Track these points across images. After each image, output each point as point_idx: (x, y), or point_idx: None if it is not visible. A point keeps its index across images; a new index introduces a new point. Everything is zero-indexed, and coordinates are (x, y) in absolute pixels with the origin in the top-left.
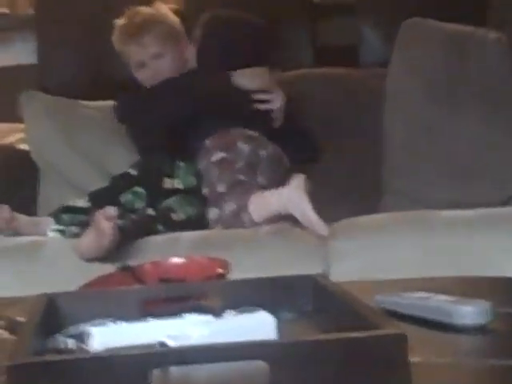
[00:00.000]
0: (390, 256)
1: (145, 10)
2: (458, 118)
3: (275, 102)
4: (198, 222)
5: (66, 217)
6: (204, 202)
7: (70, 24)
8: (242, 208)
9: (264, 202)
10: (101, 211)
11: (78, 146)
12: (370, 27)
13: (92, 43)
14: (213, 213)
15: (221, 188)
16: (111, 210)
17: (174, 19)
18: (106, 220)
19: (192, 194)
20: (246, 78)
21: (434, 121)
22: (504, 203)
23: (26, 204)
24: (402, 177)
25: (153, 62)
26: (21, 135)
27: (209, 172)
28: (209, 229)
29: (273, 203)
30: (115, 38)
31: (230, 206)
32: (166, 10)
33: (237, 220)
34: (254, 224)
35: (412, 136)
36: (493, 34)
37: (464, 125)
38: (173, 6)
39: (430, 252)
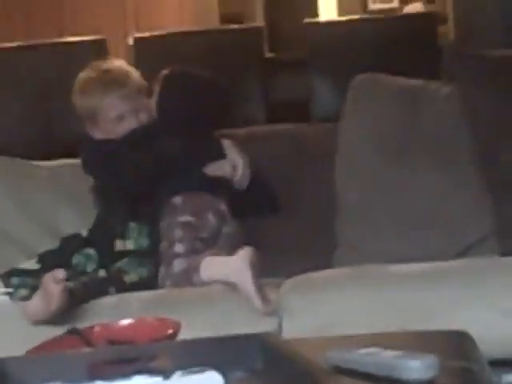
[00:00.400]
0: (342, 311)
1: (111, 63)
2: (410, 172)
3: (238, 171)
4: (150, 284)
5: (15, 279)
6: (156, 263)
7: (18, 83)
8: (194, 268)
9: (213, 267)
10: (49, 274)
11: (27, 207)
12: (321, 82)
13: (40, 103)
14: (162, 270)
15: (179, 248)
16: (60, 273)
17: (137, 73)
18: (55, 283)
19: (144, 255)
20: (216, 169)
21: (385, 175)
22: (460, 255)
23: None
24: (354, 230)
25: (134, 115)
26: None
27: (172, 230)
28: (158, 287)
29: (220, 269)
30: (85, 90)
31: (181, 264)
32: (125, 64)
33: (186, 278)
34: (203, 284)
35: (364, 190)
36: (445, 88)
37: (417, 178)
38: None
39: (380, 307)
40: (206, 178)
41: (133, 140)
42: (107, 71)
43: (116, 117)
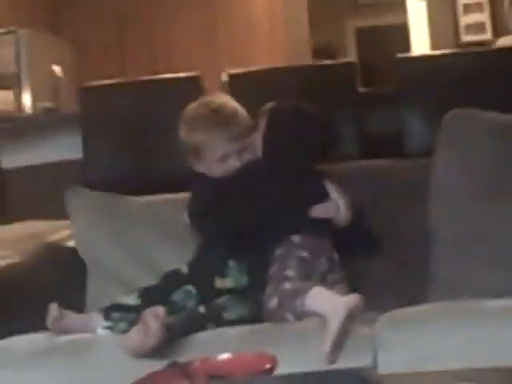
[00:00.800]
0: (437, 347)
1: (219, 99)
2: (503, 208)
3: (341, 213)
4: (250, 322)
5: (115, 314)
6: (257, 301)
7: (114, 120)
8: (302, 291)
9: (319, 298)
10: (149, 310)
11: (125, 242)
12: (413, 116)
13: (135, 139)
14: (269, 289)
15: (291, 273)
16: (160, 310)
17: (243, 110)
18: (154, 319)
19: (243, 293)
20: (322, 211)
21: (479, 211)
22: None
23: (75, 301)
24: (448, 266)
25: (239, 155)
26: (68, 232)
27: (287, 258)
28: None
29: (323, 302)
30: (193, 125)
31: (291, 285)
32: (232, 101)
33: (291, 298)
34: (303, 310)
35: (457, 226)
36: None
37: (509, 215)
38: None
39: (476, 342)
40: (313, 220)
41: (240, 181)
42: (216, 110)
43: (221, 157)
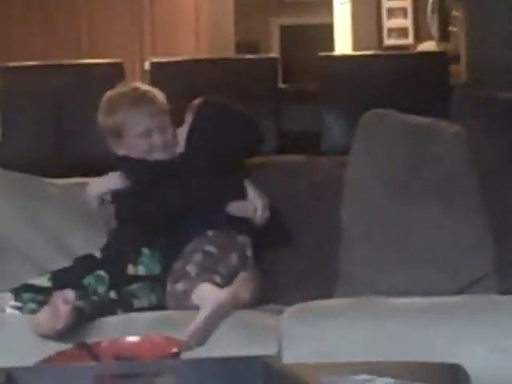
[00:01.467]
0: (341, 340)
1: (136, 84)
2: (414, 209)
3: (258, 213)
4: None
5: (25, 295)
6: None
7: (34, 102)
8: (189, 291)
9: (201, 292)
10: (59, 293)
11: (39, 224)
12: (333, 114)
13: (55, 122)
14: (168, 287)
15: (190, 269)
16: (70, 294)
17: (162, 95)
18: (64, 303)
19: (155, 281)
20: (239, 209)
21: (390, 210)
22: (459, 292)
23: None
24: (358, 265)
25: (161, 131)
26: None
27: (193, 253)
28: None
29: (202, 296)
30: (113, 106)
31: (184, 286)
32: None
33: (184, 299)
34: (194, 306)
35: (368, 224)
36: (453, 128)
37: (420, 216)
38: None
39: (379, 338)
40: (232, 217)
41: (162, 171)
42: (136, 88)
43: (143, 132)
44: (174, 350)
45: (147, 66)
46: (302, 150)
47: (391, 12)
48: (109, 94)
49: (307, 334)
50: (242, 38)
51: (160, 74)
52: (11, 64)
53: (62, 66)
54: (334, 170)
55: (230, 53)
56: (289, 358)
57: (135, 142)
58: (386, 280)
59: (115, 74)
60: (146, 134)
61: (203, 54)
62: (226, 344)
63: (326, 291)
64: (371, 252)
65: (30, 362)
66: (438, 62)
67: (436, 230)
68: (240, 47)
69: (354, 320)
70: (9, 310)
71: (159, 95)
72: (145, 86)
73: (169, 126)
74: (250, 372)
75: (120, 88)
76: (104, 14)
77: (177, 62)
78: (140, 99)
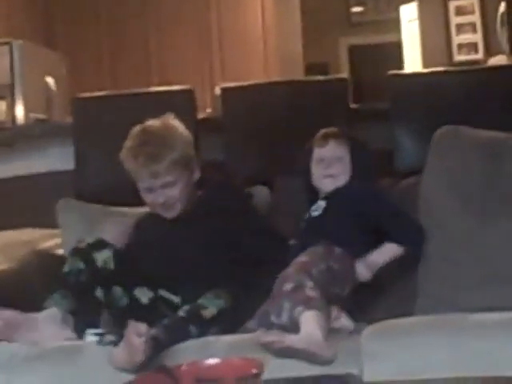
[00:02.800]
0: (422, 357)
1: (156, 130)
2: (491, 225)
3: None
4: (230, 315)
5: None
6: (232, 294)
7: (107, 132)
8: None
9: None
10: (131, 326)
11: None
12: (404, 133)
13: None
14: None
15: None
16: (142, 327)
17: (186, 138)
18: (137, 336)
19: (217, 287)
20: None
21: (466, 227)
22: None
23: None
24: (436, 282)
25: (163, 191)
26: (58, 240)
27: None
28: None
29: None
30: (124, 156)
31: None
32: (177, 125)
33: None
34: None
35: (445, 242)
36: None
37: (497, 232)
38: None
39: (461, 354)
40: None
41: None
42: (145, 143)
43: (146, 188)
44: (254, 371)
45: (218, 91)
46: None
47: (460, 27)
48: (131, 133)
49: (388, 352)
50: (311, 59)
51: (231, 99)
52: (82, 95)
53: (133, 95)
54: (408, 190)
55: (299, 75)
56: (370, 376)
57: (141, 193)
58: (465, 297)
59: (186, 100)
60: (149, 190)
61: (273, 78)
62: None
63: (406, 309)
64: (449, 269)
65: None
66: (510, 75)
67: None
68: (309, 69)
69: (435, 338)
70: (89, 338)
71: (174, 144)
72: (159, 138)
73: (177, 181)
74: None
75: (136, 135)
76: (173, 42)
77: (247, 87)
78: (146, 159)
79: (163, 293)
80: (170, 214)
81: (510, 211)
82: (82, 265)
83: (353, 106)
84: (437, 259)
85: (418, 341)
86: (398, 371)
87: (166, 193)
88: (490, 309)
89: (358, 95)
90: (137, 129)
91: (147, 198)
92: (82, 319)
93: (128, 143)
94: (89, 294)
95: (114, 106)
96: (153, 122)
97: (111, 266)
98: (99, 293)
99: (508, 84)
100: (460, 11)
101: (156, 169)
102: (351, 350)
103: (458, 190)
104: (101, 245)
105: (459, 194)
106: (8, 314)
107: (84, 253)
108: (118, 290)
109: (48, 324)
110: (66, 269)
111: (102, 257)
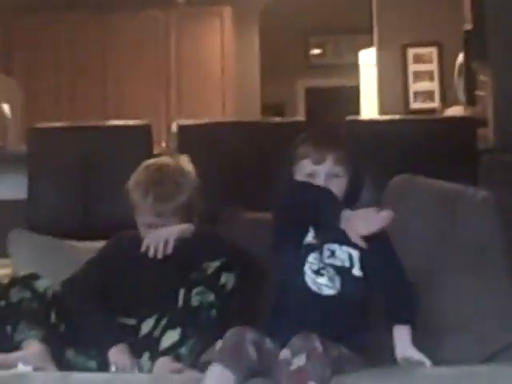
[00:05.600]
0: None
1: (172, 172)
2: (443, 274)
3: None
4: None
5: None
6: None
7: (61, 163)
8: None
9: None
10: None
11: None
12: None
13: (81, 184)
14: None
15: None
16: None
17: (196, 184)
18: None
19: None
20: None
21: (418, 275)
22: (485, 360)
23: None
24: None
25: (159, 229)
26: (8, 270)
27: None
28: None
29: None
30: (132, 188)
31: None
32: (191, 170)
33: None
34: None
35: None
36: (481, 193)
37: (449, 280)
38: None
39: None
40: None
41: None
42: (155, 184)
43: (147, 224)
44: None
45: (174, 128)
46: None
47: (417, 75)
48: (139, 168)
49: None
50: (268, 99)
51: (187, 136)
52: (38, 125)
53: (89, 127)
54: None
55: (256, 115)
56: None
57: (140, 227)
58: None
59: (143, 136)
60: (148, 226)
61: (230, 115)
62: None
63: None
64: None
65: None
66: (466, 126)
67: (464, 294)
68: (266, 110)
69: None
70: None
71: (183, 189)
72: (170, 179)
73: (176, 223)
74: None
75: (146, 171)
76: (131, 76)
77: (204, 125)
78: (155, 198)
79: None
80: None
81: (461, 262)
82: (28, 293)
83: None
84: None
85: None
86: None
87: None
88: (440, 359)
89: None
90: (152, 164)
91: (143, 231)
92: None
93: (140, 177)
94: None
95: (69, 138)
96: (168, 162)
97: (50, 293)
98: (53, 319)
99: (464, 135)
100: (418, 59)
101: (163, 209)
102: None
103: (412, 236)
104: (35, 276)
105: (412, 241)
106: None
107: (24, 283)
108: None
109: None
110: (13, 299)
111: (43, 285)
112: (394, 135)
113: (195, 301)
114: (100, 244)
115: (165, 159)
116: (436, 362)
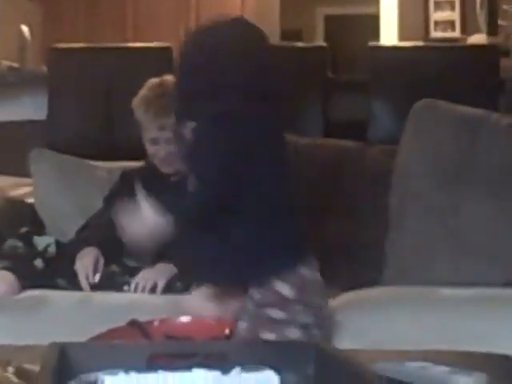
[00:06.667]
0: (392, 330)
1: (172, 86)
2: (464, 200)
3: None
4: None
5: None
6: None
7: (82, 83)
8: None
9: None
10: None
11: (83, 206)
12: (382, 104)
13: (103, 103)
14: None
15: None
16: None
17: None
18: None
19: None
20: None
21: (441, 201)
22: (506, 284)
23: None
24: (407, 253)
25: (166, 145)
26: (30, 189)
27: None
28: None
29: None
30: (137, 105)
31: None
32: None
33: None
34: None
35: (417, 213)
36: (505, 120)
37: (470, 206)
38: None
39: (429, 327)
40: None
41: None
42: (159, 96)
43: (151, 139)
44: (227, 331)
45: None
46: (348, 140)
47: (438, 4)
48: (144, 87)
49: (355, 324)
50: (287, 27)
51: None
52: (59, 45)
53: (110, 48)
54: (382, 158)
55: (274, 40)
56: (340, 347)
57: (146, 143)
58: (435, 270)
59: (163, 58)
60: (154, 141)
61: None
62: None
63: (371, 279)
64: (421, 241)
65: (82, 339)
66: (490, 55)
67: (484, 219)
68: (284, 35)
69: (408, 310)
70: None
71: None
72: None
73: None
74: (303, 356)
75: (150, 87)
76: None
77: None
78: (158, 110)
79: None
80: (167, 169)
81: (483, 188)
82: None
83: (331, 75)
84: (409, 231)
85: (392, 313)
86: (369, 342)
87: (168, 148)
88: (460, 283)
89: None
90: (155, 81)
91: (150, 149)
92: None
93: (142, 92)
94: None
95: (90, 59)
96: (171, 78)
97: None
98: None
99: (487, 63)
100: None
101: (165, 122)
102: None
103: (434, 163)
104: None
105: (434, 167)
106: None
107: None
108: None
109: None
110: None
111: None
112: (416, 62)
113: None
114: (122, 164)
115: (168, 76)
116: (459, 285)
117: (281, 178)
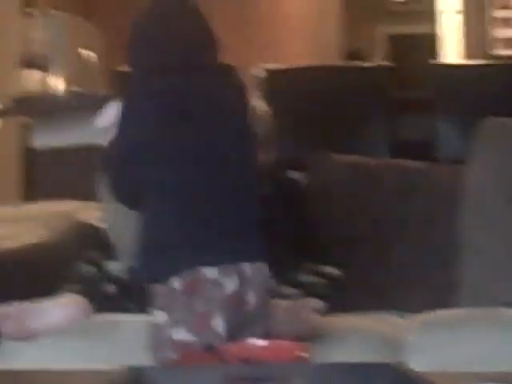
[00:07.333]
0: (470, 351)
1: None
2: None
3: None
4: None
5: None
6: None
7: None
8: None
9: None
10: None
11: None
12: (447, 123)
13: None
14: None
15: None
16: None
17: None
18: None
19: None
20: None
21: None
22: None
23: None
24: (482, 275)
25: None
26: (98, 213)
27: None
28: None
29: None
30: None
31: None
32: None
33: None
34: None
35: (489, 233)
36: None
37: None
38: None
39: (505, 349)
40: None
41: None
42: None
43: None
44: (303, 354)
45: (262, 74)
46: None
47: (500, 22)
48: None
49: (433, 344)
50: (348, 48)
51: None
52: (123, 68)
53: None
54: (450, 178)
55: (333, 61)
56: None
57: None
58: (505, 289)
59: None
60: None
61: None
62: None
63: (442, 300)
64: (495, 263)
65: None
66: None
67: None
68: (347, 57)
69: (484, 331)
70: None
71: None
72: None
73: None
74: (380, 377)
75: None
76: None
77: (293, 69)
78: None
79: None
80: None
81: None
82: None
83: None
84: (482, 252)
85: (466, 334)
86: (441, 364)
87: None
88: None
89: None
90: None
91: None
92: None
93: None
94: None
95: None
96: None
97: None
98: None
99: None
100: (504, 6)
101: None
102: (391, 343)
103: (504, 183)
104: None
105: (506, 186)
106: None
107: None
108: None
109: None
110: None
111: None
112: (478, 80)
113: None
114: None
115: None
116: None
117: None
